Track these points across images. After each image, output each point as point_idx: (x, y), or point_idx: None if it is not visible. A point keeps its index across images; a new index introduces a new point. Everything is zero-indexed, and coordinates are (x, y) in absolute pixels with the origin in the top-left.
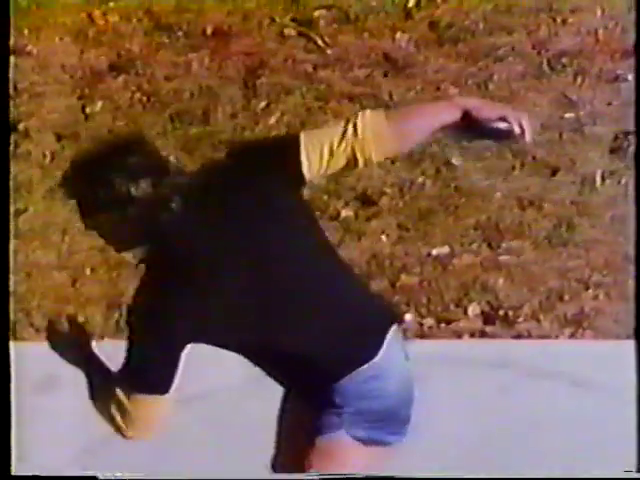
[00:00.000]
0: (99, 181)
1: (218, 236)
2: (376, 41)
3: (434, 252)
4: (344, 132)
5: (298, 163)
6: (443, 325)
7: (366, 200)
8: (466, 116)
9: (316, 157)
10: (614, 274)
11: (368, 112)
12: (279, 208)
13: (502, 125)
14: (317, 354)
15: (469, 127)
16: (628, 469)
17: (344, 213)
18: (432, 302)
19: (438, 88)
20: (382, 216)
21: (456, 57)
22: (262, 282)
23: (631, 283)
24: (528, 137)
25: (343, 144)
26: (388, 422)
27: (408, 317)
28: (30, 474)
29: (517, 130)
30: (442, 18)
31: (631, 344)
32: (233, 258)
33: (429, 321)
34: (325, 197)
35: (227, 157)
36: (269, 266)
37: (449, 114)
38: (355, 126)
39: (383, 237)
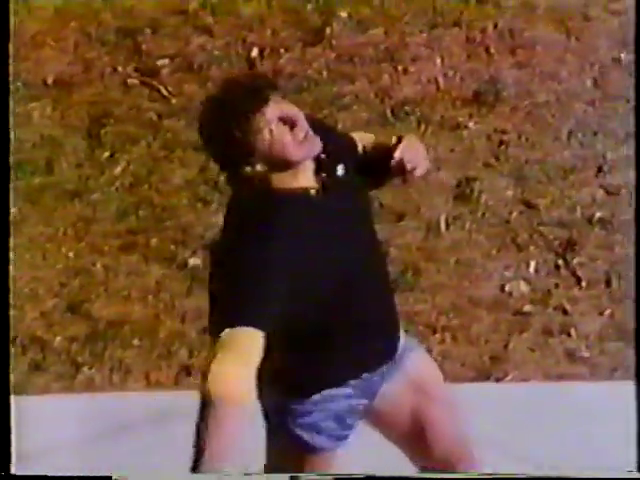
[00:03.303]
0: None
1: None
2: None
3: None
4: None
5: None
6: None
7: None
8: None
9: None
10: (460, 318)
11: None
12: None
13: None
14: None
15: None
16: (629, 469)
17: (192, 262)
18: None
19: None
20: None
21: (300, 106)
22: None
23: (477, 327)
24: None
25: None
26: None
27: None
28: (30, 474)
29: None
30: (285, 67)
31: (475, 386)
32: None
33: None
34: (173, 246)
35: None
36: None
37: None
38: None
39: None
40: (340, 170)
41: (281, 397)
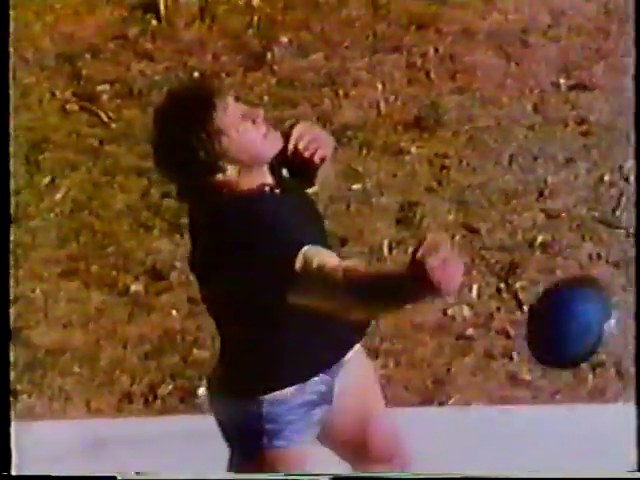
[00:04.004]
0: None
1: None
2: None
3: None
4: None
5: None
6: None
7: (156, 274)
8: None
9: None
10: (403, 342)
11: None
12: None
13: None
14: None
15: None
16: (629, 469)
17: (134, 287)
18: None
19: None
20: (172, 290)
21: None
22: None
23: (420, 351)
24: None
25: None
26: None
27: (201, 391)
28: (30, 474)
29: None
30: (227, 92)
31: (421, 410)
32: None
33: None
34: (114, 272)
35: None
36: None
37: None
38: None
39: (174, 312)
40: (285, 172)
41: (238, 398)
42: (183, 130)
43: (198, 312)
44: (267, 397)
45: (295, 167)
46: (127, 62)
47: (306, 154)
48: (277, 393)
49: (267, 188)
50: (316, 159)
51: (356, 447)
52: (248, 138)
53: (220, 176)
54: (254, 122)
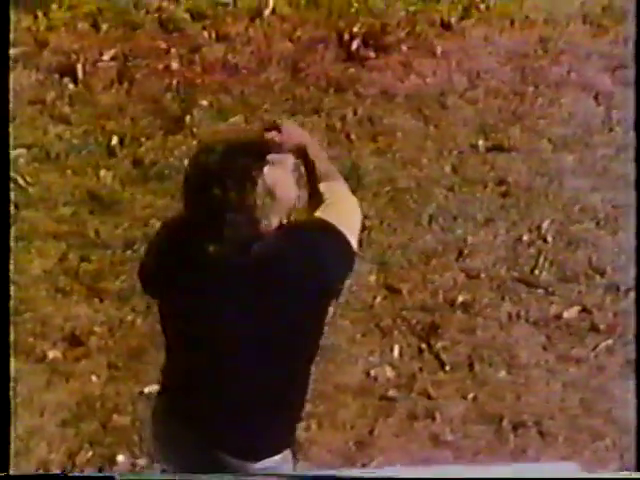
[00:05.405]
0: None
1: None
2: (80, 179)
3: (146, 390)
4: None
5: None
6: None
7: (74, 340)
8: None
9: None
10: (326, 404)
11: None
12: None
13: None
14: None
15: None
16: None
17: (51, 354)
18: (145, 441)
19: (146, 224)
20: (92, 356)
21: (163, 193)
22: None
23: (342, 413)
24: None
25: None
26: None
27: (120, 458)
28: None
29: None
30: (146, 155)
31: (343, 472)
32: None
33: (142, 461)
34: (31, 339)
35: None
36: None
37: None
38: None
39: (93, 377)
40: None
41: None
42: (238, 191)
43: (118, 377)
44: (277, 458)
45: None
46: (44, 126)
47: None
48: (279, 456)
49: None
50: None
51: None
52: (288, 186)
53: (262, 226)
54: (285, 169)
